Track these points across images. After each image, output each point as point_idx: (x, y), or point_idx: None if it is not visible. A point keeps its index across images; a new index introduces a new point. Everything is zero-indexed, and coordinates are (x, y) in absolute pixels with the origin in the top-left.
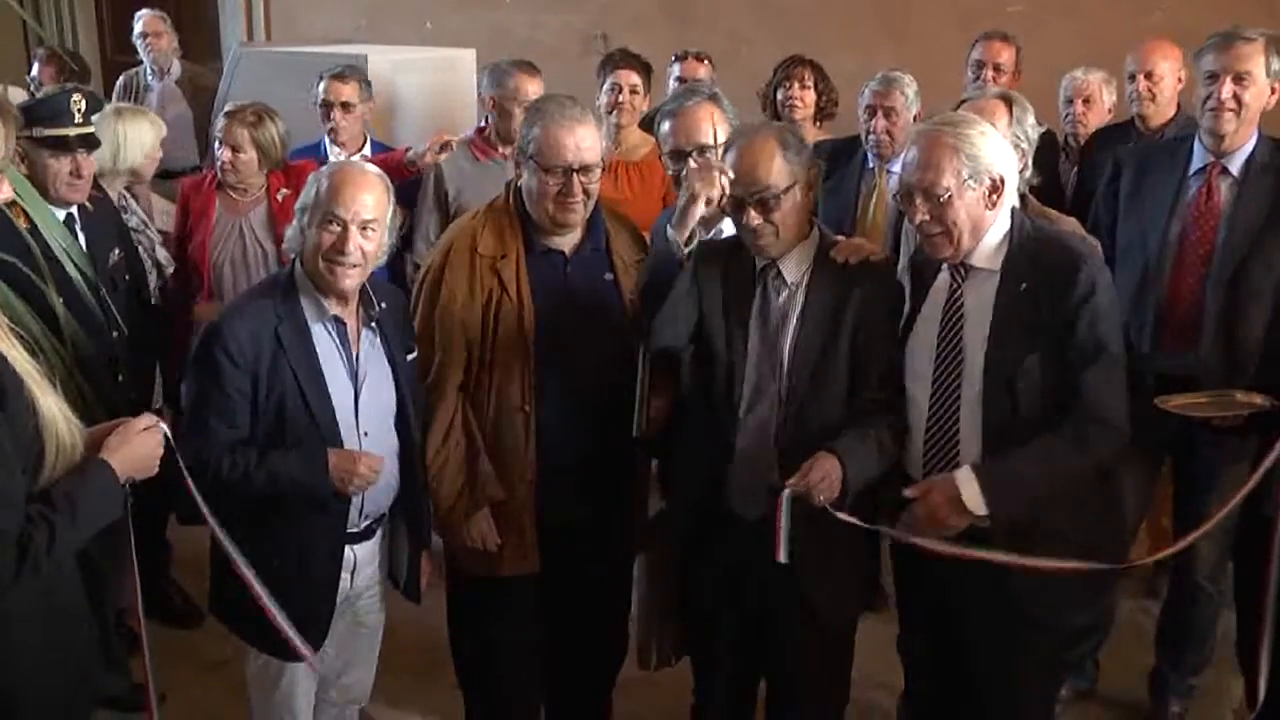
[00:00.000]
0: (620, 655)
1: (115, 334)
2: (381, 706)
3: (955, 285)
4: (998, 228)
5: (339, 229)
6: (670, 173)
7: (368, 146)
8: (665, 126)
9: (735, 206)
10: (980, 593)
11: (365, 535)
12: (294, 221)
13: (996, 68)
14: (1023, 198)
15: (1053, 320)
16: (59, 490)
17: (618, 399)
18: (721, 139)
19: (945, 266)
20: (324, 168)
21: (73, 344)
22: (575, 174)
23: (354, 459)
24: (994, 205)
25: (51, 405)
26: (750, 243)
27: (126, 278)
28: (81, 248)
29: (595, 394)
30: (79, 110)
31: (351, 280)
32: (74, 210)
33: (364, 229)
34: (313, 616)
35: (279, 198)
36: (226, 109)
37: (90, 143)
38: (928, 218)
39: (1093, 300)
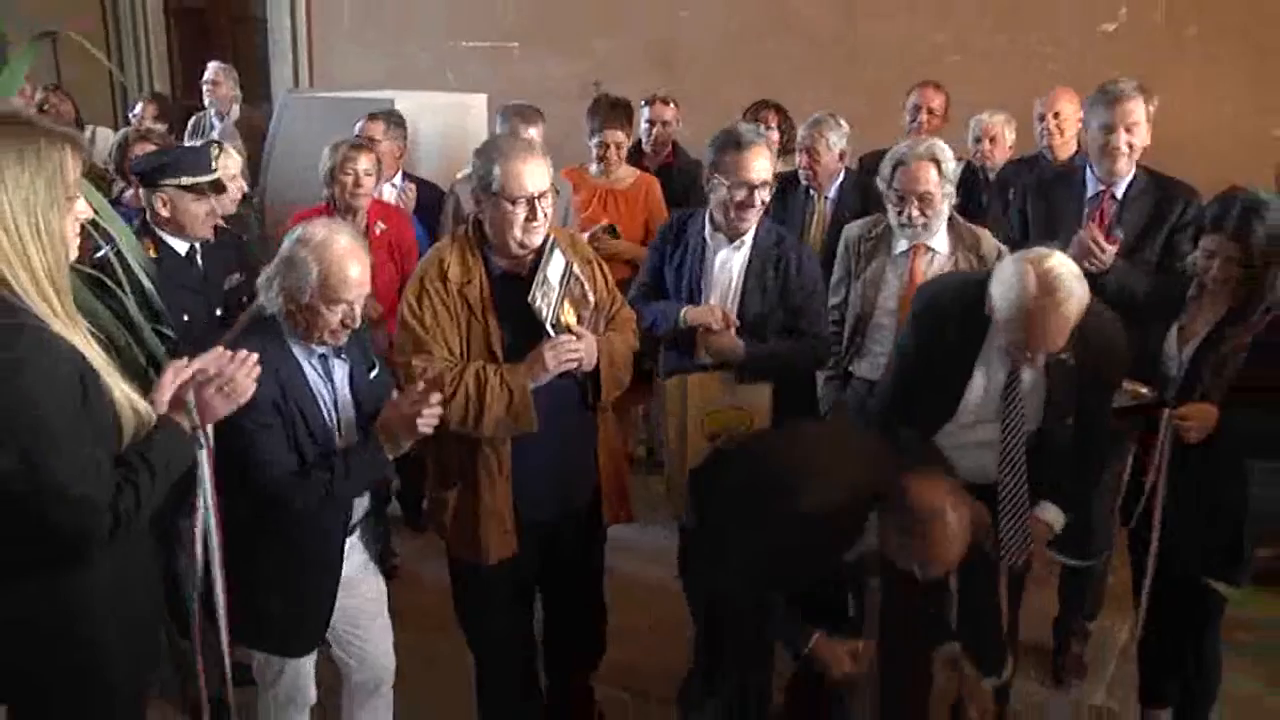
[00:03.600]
0: (602, 619)
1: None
2: (405, 657)
3: None
4: None
5: (347, 308)
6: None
7: (398, 176)
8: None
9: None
10: None
11: (350, 531)
12: (270, 282)
13: (930, 111)
14: (951, 218)
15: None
16: (131, 453)
17: (581, 396)
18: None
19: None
20: (311, 241)
21: (148, 344)
22: (536, 200)
23: (395, 406)
24: None
25: (121, 394)
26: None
27: (244, 299)
28: (152, 263)
29: (558, 394)
30: (215, 160)
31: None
32: (198, 243)
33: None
34: (317, 605)
35: (377, 230)
36: (347, 145)
37: (219, 186)
38: None
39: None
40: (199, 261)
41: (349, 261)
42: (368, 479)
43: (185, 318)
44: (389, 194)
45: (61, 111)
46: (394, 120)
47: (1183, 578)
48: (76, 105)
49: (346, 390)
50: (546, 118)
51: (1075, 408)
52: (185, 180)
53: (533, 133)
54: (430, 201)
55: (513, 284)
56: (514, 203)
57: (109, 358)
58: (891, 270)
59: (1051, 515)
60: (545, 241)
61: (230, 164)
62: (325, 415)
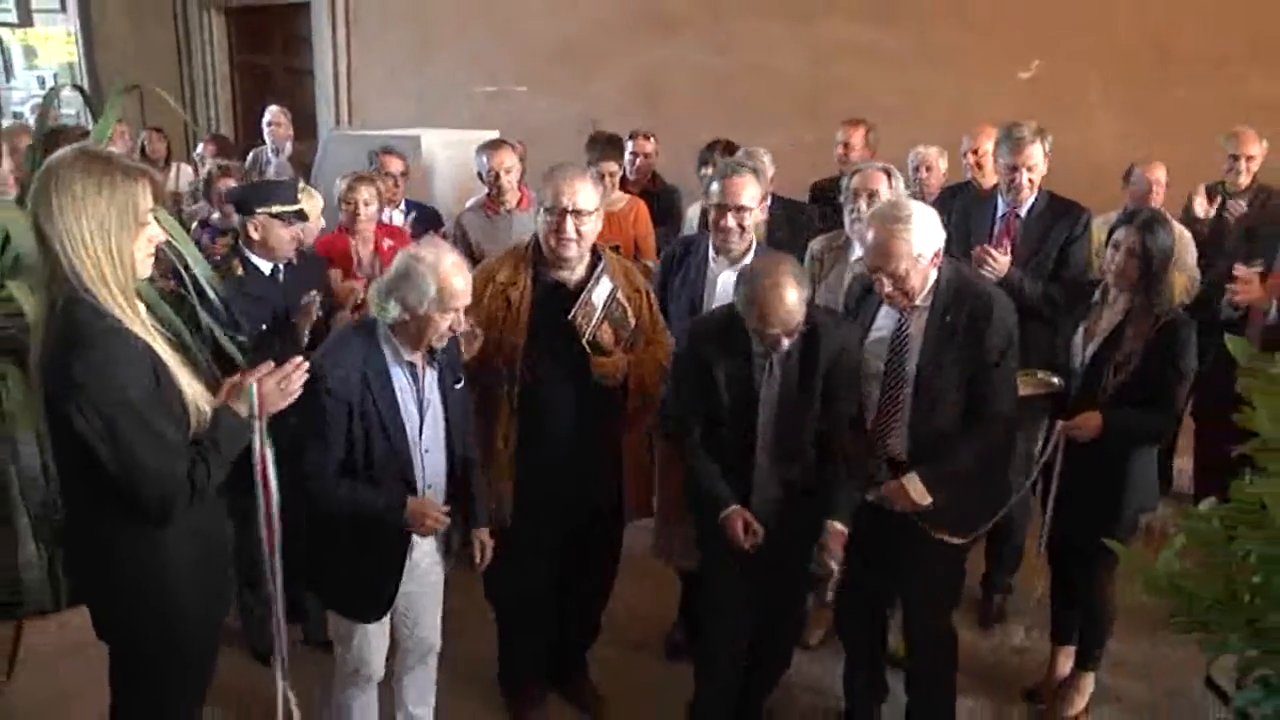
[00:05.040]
0: (607, 586)
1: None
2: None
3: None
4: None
5: (455, 315)
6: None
7: (403, 204)
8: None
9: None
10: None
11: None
12: (387, 296)
13: (849, 145)
14: None
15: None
16: (201, 434)
17: (607, 403)
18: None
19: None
20: (425, 260)
21: (214, 345)
22: (568, 214)
23: (424, 510)
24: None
25: (187, 385)
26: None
27: (321, 313)
28: (216, 277)
29: (583, 397)
30: (299, 193)
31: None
32: (280, 264)
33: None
34: (385, 581)
35: (385, 246)
36: (348, 180)
37: (303, 215)
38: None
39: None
40: (281, 280)
41: (458, 275)
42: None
43: (265, 328)
44: (398, 219)
45: (157, 149)
46: (399, 153)
47: (1081, 540)
48: (170, 145)
49: (436, 395)
50: (548, 151)
51: (958, 368)
52: (275, 209)
53: (505, 159)
54: (433, 222)
55: (557, 293)
56: (549, 212)
57: (178, 357)
58: (848, 274)
59: (915, 487)
60: (597, 266)
61: (314, 204)
62: (404, 414)
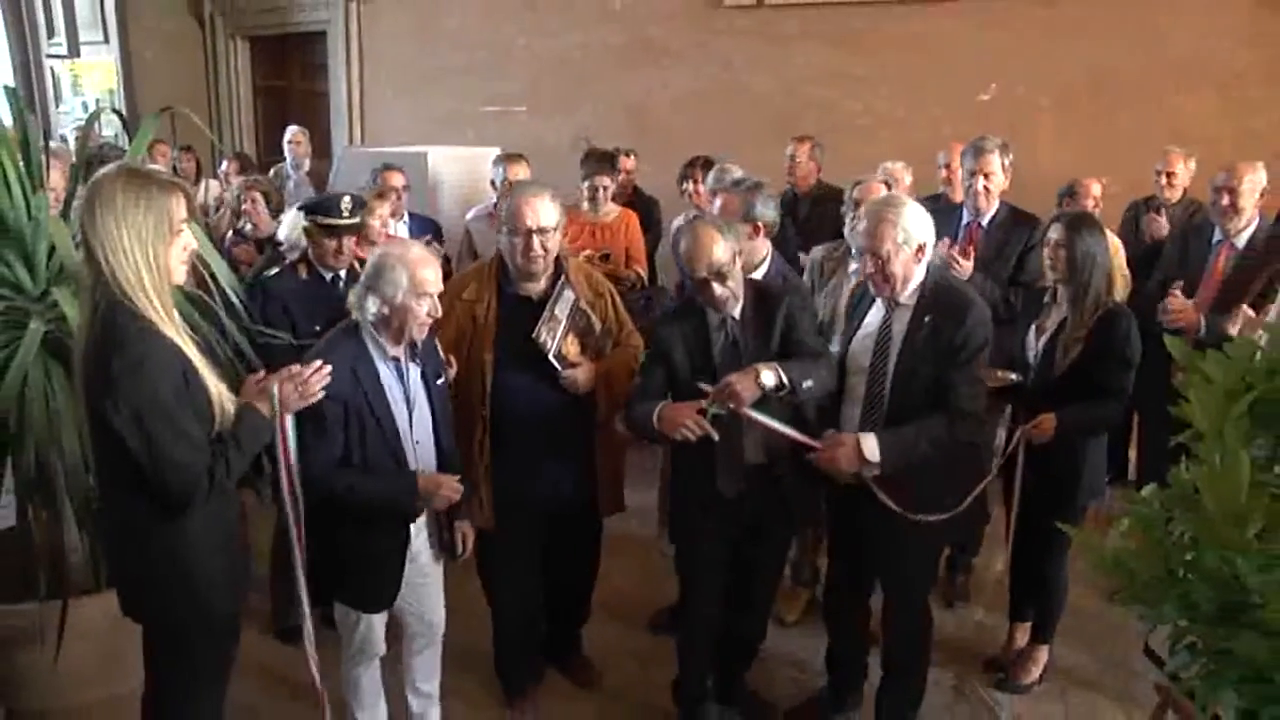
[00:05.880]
0: (589, 590)
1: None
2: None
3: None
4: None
5: (430, 302)
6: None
7: (405, 215)
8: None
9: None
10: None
11: (416, 512)
12: (365, 294)
13: (794, 158)
14: None
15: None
16: (224, 431)
17: (576, 409)
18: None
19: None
20: (392, 254)
21: (238, 348)
22: (533, 234)
23: (438, 483)
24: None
25: (212, 385)
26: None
27: None
28: (239, 286)
29: (553, 405)
30: (346, 209)
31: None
32: (341, 272)
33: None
34: (389, 574)
35: None
36: (372, 195)
37: (355, 229)
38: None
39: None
40: (340, 287)
41: (426, 263)
42: (386, 504)
43: (317, 328)
44: (401, 230)
45: (187, 167)
46: (399, 169)
47: (1038, 523)
48: (200, 163)
49: (421, 389)
50: (545, 166)
51: (933, 366)
52: (320, 220)
53: (519, 170)
54: (429, 232)
55: (521, 306)
56: (514, 233)
57: (205, 359)
58: (847, 284)
59: (867, 445)
60: (559, 278)
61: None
62: (394, 409)
